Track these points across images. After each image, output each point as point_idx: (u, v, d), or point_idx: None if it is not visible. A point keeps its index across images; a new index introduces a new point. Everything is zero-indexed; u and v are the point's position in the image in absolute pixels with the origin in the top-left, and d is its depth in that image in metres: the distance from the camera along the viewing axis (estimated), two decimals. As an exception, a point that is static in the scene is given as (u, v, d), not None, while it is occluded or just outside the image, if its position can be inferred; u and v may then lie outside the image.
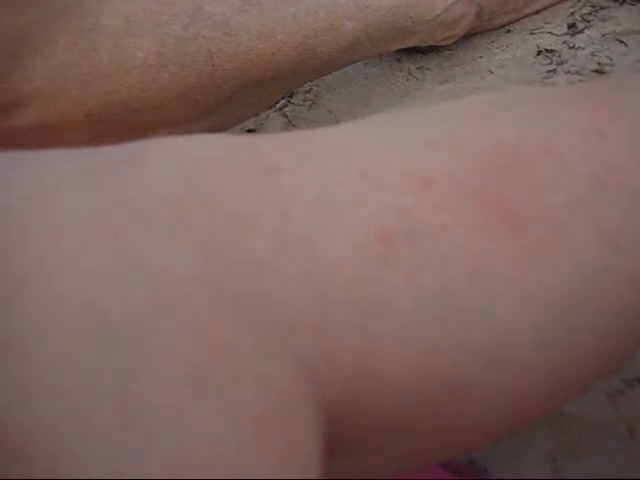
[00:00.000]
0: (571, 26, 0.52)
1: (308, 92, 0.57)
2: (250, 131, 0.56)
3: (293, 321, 0.19)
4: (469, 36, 0.53)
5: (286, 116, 0.56)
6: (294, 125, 0.56)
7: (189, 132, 0.45)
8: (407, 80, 0.54)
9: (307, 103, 0.56)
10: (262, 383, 0.18)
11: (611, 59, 0.49)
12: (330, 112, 0.56)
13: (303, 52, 0.44)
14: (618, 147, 0.24)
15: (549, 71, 0.50)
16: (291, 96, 0.56)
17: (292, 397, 0.18)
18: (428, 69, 0.54)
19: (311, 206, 0.20)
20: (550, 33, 0.52)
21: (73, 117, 0.39)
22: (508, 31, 0.54)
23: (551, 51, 0.51)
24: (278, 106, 0.56)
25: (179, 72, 0.40)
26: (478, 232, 0.22)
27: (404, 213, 0.21)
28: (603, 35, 0.50)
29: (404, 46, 0.51)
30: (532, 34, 0.53)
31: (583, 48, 0.50)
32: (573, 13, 0.53)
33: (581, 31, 0.51)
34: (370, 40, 0.47)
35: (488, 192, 0.22)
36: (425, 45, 0.52)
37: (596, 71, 0.48)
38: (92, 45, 0.38)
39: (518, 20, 0.54)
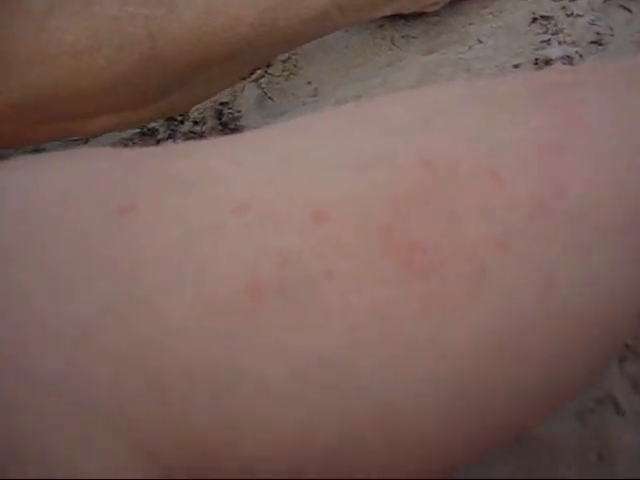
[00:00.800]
0: (572, -11, 0.47)
1: (286, 62, 0.52)
2: (223, 104, 0.52)
3: (123, 399, 0.16)
4: (459, 1, 0.48)
5: (262, 88, 0.52)
6: (270, 97, 0.51)
7: (139, 117, 0.42)
8: (390, 50, 0.49)
9: (285, 73, 0.52)
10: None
11: (611, 28, 0.43)
12: (309, 83, 0.51)
13: (260, 28, 0.40)
14: (574, 166, 0.20)
15: (542, 41, 0.45)
16: (268, 66, 0.52)
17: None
18: (413, 37, 0.49)
19: (164, 257, 0.17)
20: (548, -3, 0.47)
21: (-3, 109, 0.35)
22: (503, -6, 0.49)
23: (547, 18, 0.46)
24: (254, 76, 0.52)
25: (115, 56, 0.36)
26: (376, 280, 0.18)
27: (282, 258, 0.17)
28: (605, 0, 0.45)
29: (382, 15, 0.46)
30: (529, -3, 0.48)
31: (582, 16, 0.45)
32: (576, -27, 0.47)
33: (582, -5, 0.46)
34: (340, 10, 0.43)
35: (397, 230, 0.18)
36: (409, 12, 0.47)
37: (594, 42, 0.43)
38: (13, 31, 0.34)
39: (514, -19, 0.49)
